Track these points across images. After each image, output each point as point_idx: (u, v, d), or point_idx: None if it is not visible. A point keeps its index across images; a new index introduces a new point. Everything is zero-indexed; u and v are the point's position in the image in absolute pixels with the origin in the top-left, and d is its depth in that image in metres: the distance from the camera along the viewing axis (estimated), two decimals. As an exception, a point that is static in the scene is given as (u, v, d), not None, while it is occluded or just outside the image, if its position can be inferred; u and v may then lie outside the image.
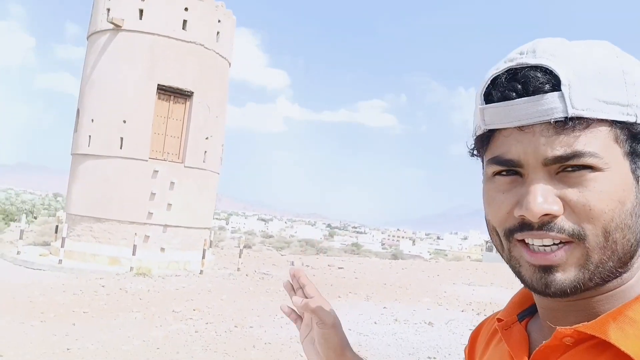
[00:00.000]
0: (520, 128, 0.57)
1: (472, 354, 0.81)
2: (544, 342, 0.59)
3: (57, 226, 18.04)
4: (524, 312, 0.71)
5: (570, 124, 0.54)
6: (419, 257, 58.83)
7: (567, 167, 0.55)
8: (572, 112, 0.54)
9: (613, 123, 0.55)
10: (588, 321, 0.57)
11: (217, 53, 17.83)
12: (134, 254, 14.99)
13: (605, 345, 0.54)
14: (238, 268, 17.18)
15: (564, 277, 0.56)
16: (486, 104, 0.59)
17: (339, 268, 20.88)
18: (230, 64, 18.99)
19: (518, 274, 0.60)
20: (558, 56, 0.56)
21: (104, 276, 13.69)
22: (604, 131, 0.55)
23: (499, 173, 0.60)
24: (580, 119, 0.54)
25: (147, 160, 16.23)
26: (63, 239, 15.25)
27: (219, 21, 17.82)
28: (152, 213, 16.14)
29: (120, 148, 16.12)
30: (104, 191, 16.08)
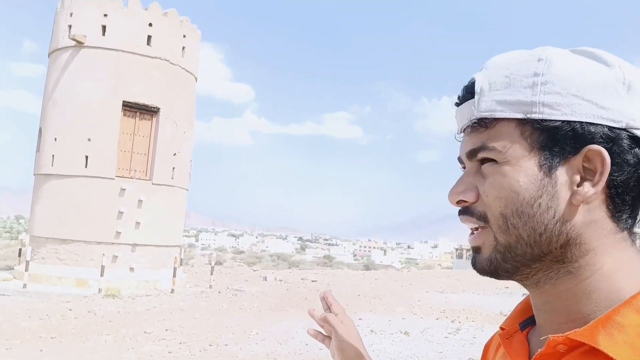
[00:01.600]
0: (463, 129, 0.67)
1: None
2: (539, 350, 0.60)
3: (20, 249, 17.46)
4: (526, 321, 0.71)
5: (480, 124, 0.63)
6: (391, 266, 59.12)
7: (483, 162, 0.63)
8: (477, 114, 0.63)
9: (521, 121, 0.60)
10: (570, 321, 0.60)
11: (183, 68, 17.68)
12: (102, 274, 14.62)
13: (596, 351, 0.54)
14: (210, 285, 16.93)
15: (482, 256, 0.64)
16: None
17: (313, 281, 20.79)
18: (196, 79, 18.85)
19: None
20: (488, 67, 0.64)
21: (71, 299, 13.27)
22: (509, 128, 0.61)
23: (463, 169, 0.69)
24: (485, 119, 0.62)
25: (113, 179, 15.91)
26: (27, 262, 14.76)
27: (184, 36, 17.70)
28: (120, 232, 15.79)
29: (86, 167, 15.77)
30: (69, 211, 15.66)
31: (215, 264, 20.00)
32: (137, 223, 16.09)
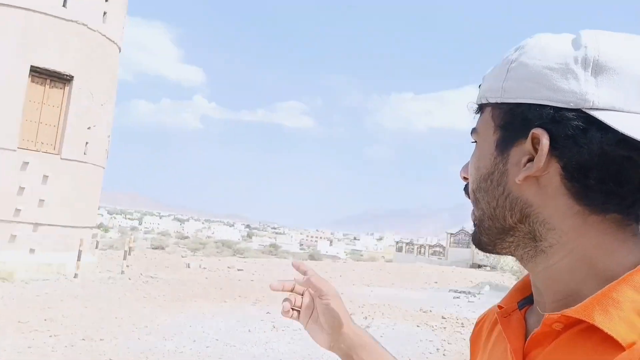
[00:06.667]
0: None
1: (477, 341, 0.79)
2: (535, 329, 0.60)
3: None
4: (525, 300, 0.70)
5: (478, 110, 0.67)
6: (336, 257, 58.91)
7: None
8: (476, 101, 0.67)
9: (494, 105, 0.63)
10: (557, 300, 0.60)
11: (104, 35, 16.29)
12: (-6, 255, 13.23)
13: (594, 328, 0.53)
14: (122, 271, 15.77)
15: (473, 230, 0.67)
16: None
17: (239, 270, 19.93)
18: (120, 49, 17.48)
19: None
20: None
21: (-49, 281, 11.89)
22: (487, 112, 0.64)
23: None
24: (480, 105, 0.66)
25: (15, 150, 14.45)
26: None
27: (106, 0, 16.29)
28: (20, 210, 14.37)
29: (-17, 135, 14.24)
30: (-38, 184, 14.12)
31: (156, 248, 18.74)
32: (41, 200, 14.71)
